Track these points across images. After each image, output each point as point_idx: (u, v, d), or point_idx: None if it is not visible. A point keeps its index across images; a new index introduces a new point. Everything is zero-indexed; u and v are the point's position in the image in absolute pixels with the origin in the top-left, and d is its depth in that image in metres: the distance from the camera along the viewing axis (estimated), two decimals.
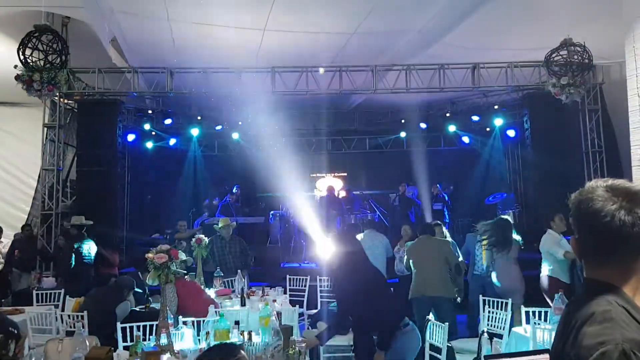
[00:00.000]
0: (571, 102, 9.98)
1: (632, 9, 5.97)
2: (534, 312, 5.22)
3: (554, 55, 9.38)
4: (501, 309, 5.82)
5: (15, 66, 8.85)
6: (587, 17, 8.40)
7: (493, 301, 5.95)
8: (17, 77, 8.92)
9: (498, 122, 13.43)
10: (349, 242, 4.52)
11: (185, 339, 4.01)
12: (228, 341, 3.72)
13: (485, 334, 4.39)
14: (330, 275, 4.53)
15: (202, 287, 6.52)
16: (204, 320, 4.59)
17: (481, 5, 8.21)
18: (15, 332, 3.76)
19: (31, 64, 8.81)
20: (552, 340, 1.57)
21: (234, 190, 13.87)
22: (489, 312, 5.90)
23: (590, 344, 1.28)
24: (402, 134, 15.28)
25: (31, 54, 8.71)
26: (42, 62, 8.81)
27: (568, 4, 8.05)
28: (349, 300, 4.28)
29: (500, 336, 5.58)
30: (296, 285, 8.36)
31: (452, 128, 14.34)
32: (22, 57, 8.65)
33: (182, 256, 4.08)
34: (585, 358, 1.28)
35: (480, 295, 6.28)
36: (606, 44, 8.94)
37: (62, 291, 7.25)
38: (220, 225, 8.01)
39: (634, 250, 1.38)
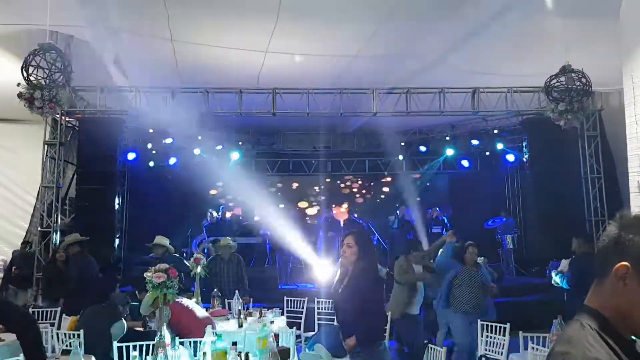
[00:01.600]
0: (570, 127, 10.03)
1: (631, 38, 6.03)
2: (531, 338, 5.20)
3: (553, 82, 9.42)
4: (498, 334, 5.79)
5: (19, 84, 8.90)
6: (586, 44, 8.49)
7: (490, 326, 5.93)
8: (20, 95, 8.97)
9: (498, 146, 13.48)
10: (369, 243, 4.54)
11: (182, 359, 3.98)
12: None
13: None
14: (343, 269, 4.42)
15: (200, 306, 6.48)
16: (201, 341, 4.55)
17: (482, 30, 8.29)
18: None
19: (34, 81, 8.86)
20: None
21: (219, 211, 13.81)
22: (486, 336, 5.87)
23: None
24: (401, 157, 15.32)
25: (34, 72, 8.77)
26: (46, 81, 8.86)
27: (567, 31, 8.13)
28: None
29: None
30: (294, 307, 8.31)
31: (451, 152, 14.38)
32: (25, 75, 8.71)
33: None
34: None
35: (479, 320, 6.25)
36: (605, 71, 9.00)
37: (59, 309, 7.20)
38: (220, 245, 8.01)
39: (609, 274, 1.40)
